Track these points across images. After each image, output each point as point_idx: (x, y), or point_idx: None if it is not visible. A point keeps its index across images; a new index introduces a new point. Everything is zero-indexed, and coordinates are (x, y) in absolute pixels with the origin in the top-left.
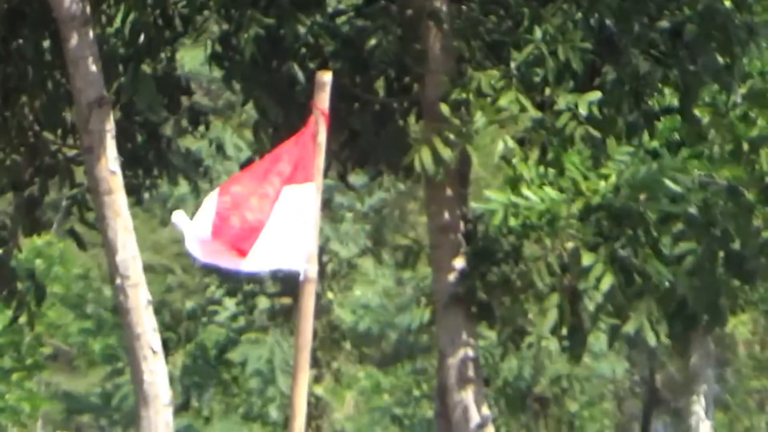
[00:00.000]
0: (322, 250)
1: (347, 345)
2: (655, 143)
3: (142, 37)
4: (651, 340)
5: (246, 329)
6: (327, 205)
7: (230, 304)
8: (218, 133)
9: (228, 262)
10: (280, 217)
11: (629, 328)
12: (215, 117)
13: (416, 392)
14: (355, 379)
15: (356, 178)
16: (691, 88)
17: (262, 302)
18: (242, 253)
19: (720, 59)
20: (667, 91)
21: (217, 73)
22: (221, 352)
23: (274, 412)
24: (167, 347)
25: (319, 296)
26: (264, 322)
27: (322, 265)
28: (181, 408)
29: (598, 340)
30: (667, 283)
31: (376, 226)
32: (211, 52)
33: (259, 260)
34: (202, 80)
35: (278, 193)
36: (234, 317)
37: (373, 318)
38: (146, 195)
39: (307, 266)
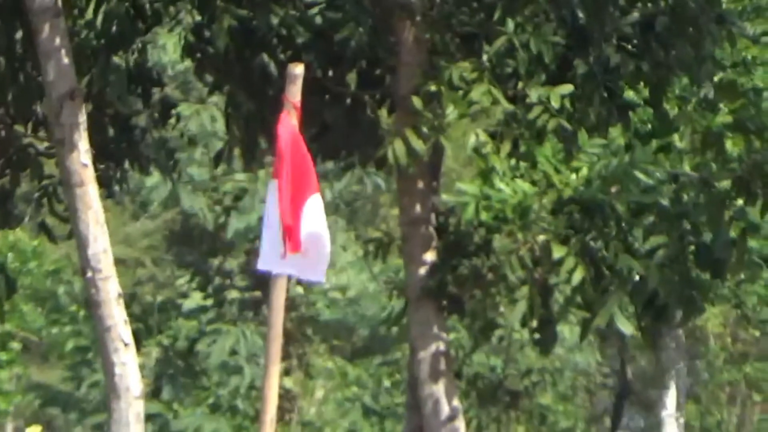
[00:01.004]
0: None
1: (317, 338)
2: (624, 138)
3: (113, 29)
4: (627, 329)
5: (215, 322)
6: None
7: (199, 297)
8: (193, 121)
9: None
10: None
11: (600, 321)
12: (188, 106)
13: (387, 383)
14: (324, 371)
15: (323, 166)
16: (661, 81)
17: (232, 295)
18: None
19: (691, 51)
20: (641, 84)
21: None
22: (191, 345)
23: (240, 404)
24: (138, 339)
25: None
26: (233, 315)
27: None
28: (152, 396)
29: (571, 333)
30: (637, 276)
31: (347, 218)
32: (183, 44)
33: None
34: (170, 72)
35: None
36: (203, 310)
37: (344, 310)
38: (117, 188)
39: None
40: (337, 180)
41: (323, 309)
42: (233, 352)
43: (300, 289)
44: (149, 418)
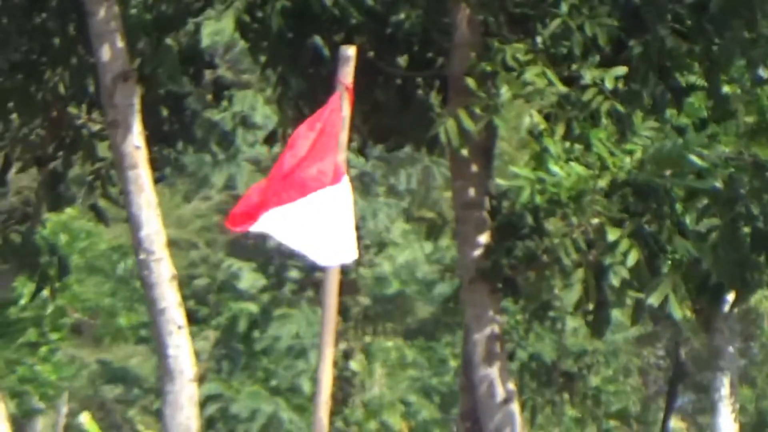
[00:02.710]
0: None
1: (379, 320)
2: (681, 120)
3: (163, 8)
4: (677, 313)
5: (273, 303)
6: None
7: (253, 279)
8: (248, 103)
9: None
10: (320, 212)
11: (654, 300)
12: (239, 90)
13: (452, 363)
14: (385, 352)
15: (374, 150)
16: (717, 63)
17: (292, 274)
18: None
19: (746, 32)
20: (695, 67)
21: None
22: (250, 327)
23: (306, 385)
24: (196, 322)
25: (345, 271)
26: (292, 296)
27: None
28: (211, 378)
29: (622, 314)
30: (691, 258)
31: (404, 200)
32: (237, 23)
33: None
34: (222, 52)
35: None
36: (262, 291)
37: (404, 287)
38: (169, 170)
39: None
40: (403, 167)
41: (386, 289)
42: (296, 336)
43: (362, 271)
44: (209, 399)
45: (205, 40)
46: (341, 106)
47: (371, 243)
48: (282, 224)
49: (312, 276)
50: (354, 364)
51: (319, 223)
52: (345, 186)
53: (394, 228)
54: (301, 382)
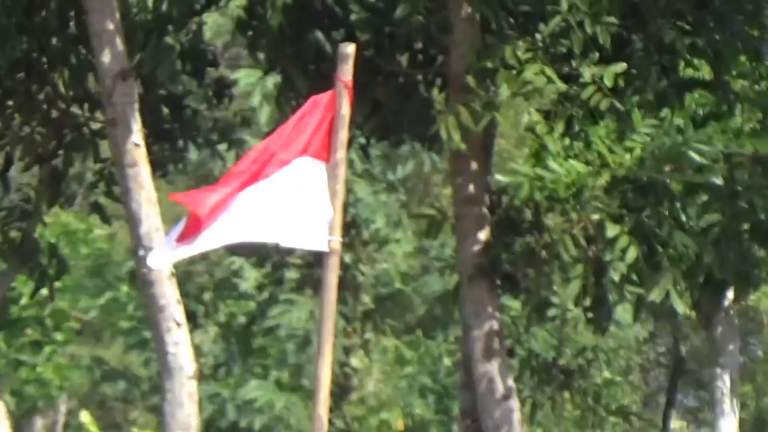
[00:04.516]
0: (352, 222)
1: (376, 317)
2: (680, 120)
3: (164, 8)
4: (679, 308)
5: (272, 301)
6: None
7: (253, 276)
8: (251, 97)
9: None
10: (291, 190)
11: (656, 296)
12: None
13: (447, 362)
14: (384, 349)
15: (376, 147)
16: (721, 58)
17: (290, 274)
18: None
19: (748, 27)
20: (698, 62)
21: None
22: (250, 323)
23: (305, 381)
24: (194, 319)
25: (348, 267)
26: (291, 294)
27: (351, 237)
28: (210, 377)
29: (624, 311)
30: (692, 254)
31: (400, 199)
32: (236, 21)
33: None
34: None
35: (280, 165)
36: (260, 287)
37: (401, 285)
38: (171, 167)
39: (330, 238)
40: (401, 163)
41: (385, 287)
42: (298, 325)
43: (364, 269)
44: (210, 398)
45: (208, 35)
46: (341, 104)
47: (370, 239)
48: (233, 223)
49: (311, 273)
50: (355, 361)
51: (282, 203)
52: (323, 169)
53: (392, 223)
54: (303, 373)
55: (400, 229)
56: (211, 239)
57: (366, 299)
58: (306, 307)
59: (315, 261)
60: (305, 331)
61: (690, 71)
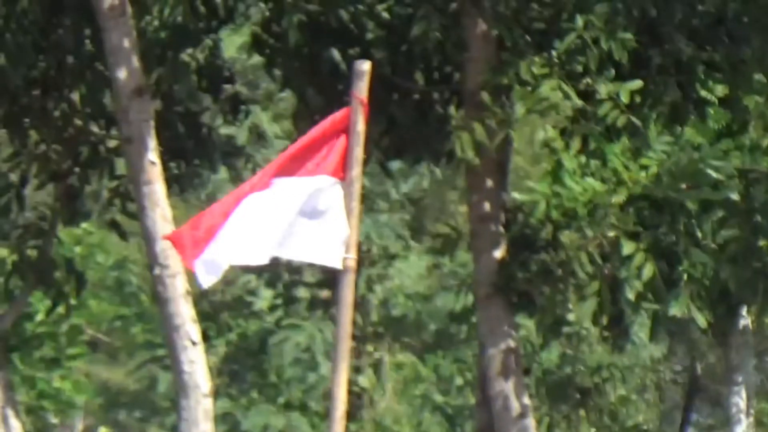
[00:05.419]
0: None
1: (388, 335)
2: (696, 138)
3: (179, 20)
4: (700, 321)
5: (284, 320)
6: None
7: (268, 295)
8: (256, 120)
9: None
10: (307, 207)
11: (676, 310)
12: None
13: (459, 381)
14: (396, 368)
15: (392, 164)
16: (737, 74)
17: (301, 292)
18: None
19: (764, 44)
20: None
21: (253, 62)
22: (262, 343)
23: (314, 402)
24: (207, 338)
25: (357, 287)
26: (302, 312)
27: (360, 256)
28: (221, 396)
29: (640, 329)
30: (709, 271)
31: (414, 214)
32: (252, 39)
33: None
34: (238, 68)
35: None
36: (272, 308)
37: (412, 305)
38: (186, 185)
39: (346, 256)
40: (404, 180)
41: (394, 305)
42: (307, 348)
43: (376, 289)
44: (219, 417)
45: (227, 52)
46: (356, 121)
47: (378, 257)
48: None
49: (321, 294)
50: (363, 380)
51: (298, 219)
52: (338, 186)
53: (398, 241)
54: (312, 396)
55: (403, 245)
56: (233, 254)
57: (374, 318)
58: (312, 330)
59: (326, 281)
60: (311, 354)
61: (705, 88)
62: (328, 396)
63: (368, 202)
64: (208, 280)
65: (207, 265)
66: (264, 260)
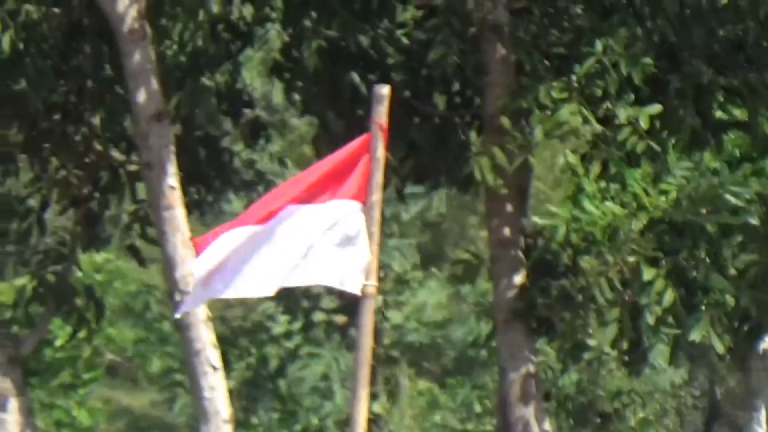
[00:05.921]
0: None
1: (404, 361)
2: (715, 163)
3: (199, 44)
4: (718, 347)
5: (302, 346)
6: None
7: (285, 319)
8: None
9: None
10: (326, 231)
11: (695, 335)
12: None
13: (478, 408)
14: (412, 395)
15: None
16: (756, 98)
17: (319, 318)
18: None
19: None
20: (731, 104)
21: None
22: (280, 368)
23: (330, 429)
24: (227, 363)
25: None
26: (320, 337)
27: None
28: (239, 425)
29: (659, 354)
30: (729, 297)
31: (432, 239)
32: (272, 64)
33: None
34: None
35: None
36: (288, 335)
37: (428, 332)
38: (206, 210)
39: (366, 283)
40: (415, 202)
41: (410, 332)
42: (325, 377)
43: (388, 313)
44: None
45: (247, 78)
46: (376, 147)
47: (393, 285)
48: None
49: (337, 319)
50: (377, 406)
51: (317, 244)
52: (360, 210)
53: (412, 268)
54: (327, 424)
55: (422, 272)
56: (246, 286)
57: (386, 341)
58: (329, 359)
59: (343, 307)
60: (327, 383)
61: (724, 112)
62: (343, 424)
63: (384, 227)
64: (186, 308)
65: (196, 294)
66: (269, 292)
